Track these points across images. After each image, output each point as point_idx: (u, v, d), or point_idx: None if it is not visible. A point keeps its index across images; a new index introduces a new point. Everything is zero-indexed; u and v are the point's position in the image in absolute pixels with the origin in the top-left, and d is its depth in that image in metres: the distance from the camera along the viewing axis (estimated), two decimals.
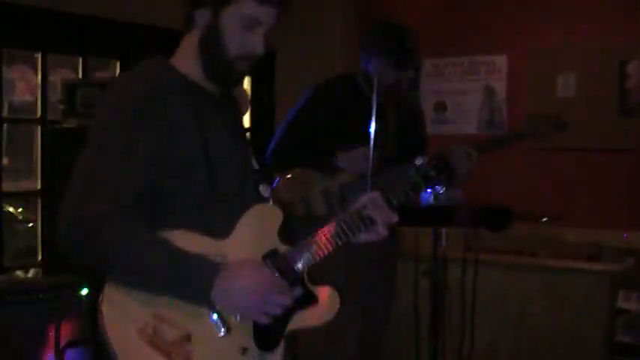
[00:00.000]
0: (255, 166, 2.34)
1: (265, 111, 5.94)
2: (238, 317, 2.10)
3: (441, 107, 6.01)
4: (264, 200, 2.32)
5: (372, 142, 3.54)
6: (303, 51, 5.90)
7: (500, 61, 5.82)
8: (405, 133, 3.93)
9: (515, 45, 5.73)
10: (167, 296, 2.04)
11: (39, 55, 4.83)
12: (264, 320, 2.11)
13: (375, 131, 3.55)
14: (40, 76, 4.83)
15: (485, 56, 5.87)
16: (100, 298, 2.04)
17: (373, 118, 3.53)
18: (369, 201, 2.31)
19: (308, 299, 2.25)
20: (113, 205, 1.97)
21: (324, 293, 2.28)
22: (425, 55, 4.95)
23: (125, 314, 2.04)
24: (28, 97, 5.07)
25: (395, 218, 2.32)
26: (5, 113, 4.83)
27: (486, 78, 5.88)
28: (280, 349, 2.21)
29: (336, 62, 5.76)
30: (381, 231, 2.30)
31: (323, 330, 2.26)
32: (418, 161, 2.37)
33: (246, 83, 5.77)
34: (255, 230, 2.20)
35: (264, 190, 2.33)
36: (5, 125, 4.78)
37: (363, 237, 2.31)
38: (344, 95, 3.89)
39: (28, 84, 5.10)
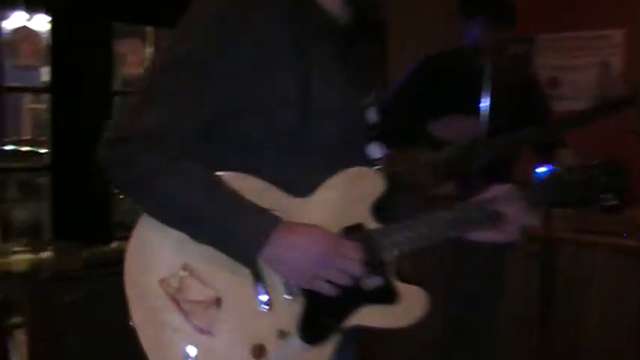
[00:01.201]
0: (372, 122, 1.97)
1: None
2: (288, 289, 1.78)
3: (554, 83, 5.91)
4: (369, 164, 1.93)
5: (482, 112, 3.54)
6: (411, 25, 5.88)
7: (617, 35, 5.67)
8: (518, 104, 3.79)
9: (634, 18, 5.59)
10: (207, 245, 1.74)
11: (149, 29, 5.00)
12: (324, 289, 1.75)
13: (484, 101, 3.54)
14: (150, 50, 4.99)
15: (601, 30, 5.72)
16: (131, 235, 1.77)
17: (484, 87, 3.52)
18: (504, 194, 1.96)
19: (386, 295, 1.87)
20: (168, 128, 1.72)
21: (410, 293, 1.90)
22: (538, 30, 4.87)
23: (151, 258, 1.75)
24: (138, 71, 5.24)
25: (535, 221, 1.96)
26: (117, 87, 4.97)
27: (602, 53, 5.75)
28: (329, 347, 1.81)
29: (440, 37, 5.74)
30: (511, 232, 1.95)
31: None
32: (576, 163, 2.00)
33: None
34: (342, 196, 1.84)
35: (373, 150, 1.96)
36: (116, 98, 4.90)
37: (483, 235, 1.96)
38: (452, 67, 3.89)
39: (138, 57, 5.27)
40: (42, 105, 5.15)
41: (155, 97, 1.74)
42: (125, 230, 2.03)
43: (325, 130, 1.81)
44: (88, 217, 4.80)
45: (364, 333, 1.90)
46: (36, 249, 3.48)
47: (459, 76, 3.80)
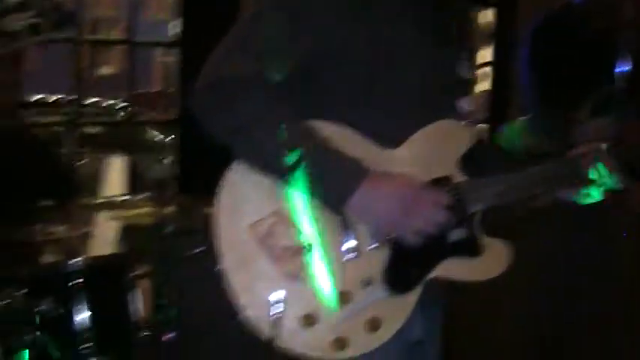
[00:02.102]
0: (466, 75, 2.06)
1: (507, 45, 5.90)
2: (375, 238, 1.89)
3: None
4: (458, 117, 2.02)
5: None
6: None
7: None
8: None
9: None
10: (297, 192, 1.86)
11: None
12: (410, 239, 1.87)
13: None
14: None
15: None
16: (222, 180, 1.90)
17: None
18: (590, 152, 2.02)
19: (469, 248, 1.97)
20: (258, 75, 1.83)
21: (494, 247, 1.99)
22: None
23: (242, 203, 1.88)
24: None
25: (626, 183, 2.00)
26: None
27: None
28: (413, 297, 1.92)
29: None
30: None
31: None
32: None
33: (491, 16, 5.78)
34: (431, 148, 1.95)
35: (464, 104, 2.04)
36: None
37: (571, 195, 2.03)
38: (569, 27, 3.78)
39: None
40: (172, 58, 5.35)
41: (246, 45, 1.87)
42: None
43: (412, 82, 1.92)
44: (214, 172, 5.00)
45: (450, 300, 2.06)
46: (161, 203, 3.68)
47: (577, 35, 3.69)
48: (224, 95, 1.84)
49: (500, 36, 5.77)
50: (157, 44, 5.56)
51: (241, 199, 1.89)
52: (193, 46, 4.98)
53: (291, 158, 1.83)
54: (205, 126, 1.88)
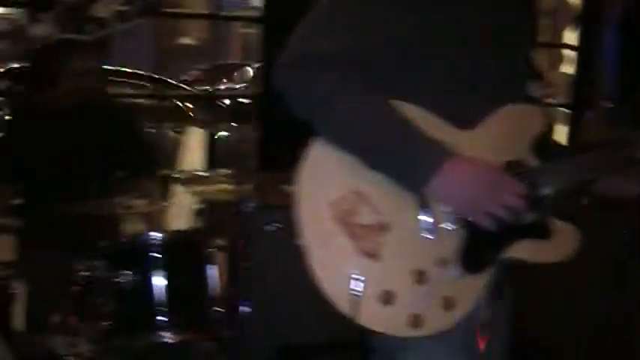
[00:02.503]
0: (532, 64, 2.12)
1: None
2: (452, 219, 1.94)
3: None
4: (530, 101, 2.09)
5: None
6: None
7: None
8: None
9: None
10: (379, 172, 1.91)
11: None
12: (486, 222, 1.93)
13: None
14: None
15: None
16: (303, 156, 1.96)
17: None
18: None
19: (540, 231, 2.03)
20: (342, 52, 1.88)
21: (563, 231, 2.05)
22: None
23: (323, 180, 1.94)
24: None
25: None
26: None
27: None
28: (485, 276, 1.99)
29: None
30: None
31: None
32: None
33: None
34: (504, 131, 2.01)
35: (535, 89, 2.10)
36: None
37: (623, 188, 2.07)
38: None
39: None
40: (252, 30, 5.42)
41: (330, 21, 1.92)
42: None
43: (484, 64, 1.98)
44: (295, 147, 5.04)
45: (519, 283, 2.11)
46: (240, 179, 3.74)
47: None
48: (308, 71, 1.89)
49: (586, 18, 5.68)
50: (241, 18, 5.62)
51: (322, 176, 1.95)
52: (276, 21, 5.02)
53: (373, 136, 1.89)
54: (288, 101, 1.94)
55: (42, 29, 1.42)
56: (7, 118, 4.05)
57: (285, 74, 1.93)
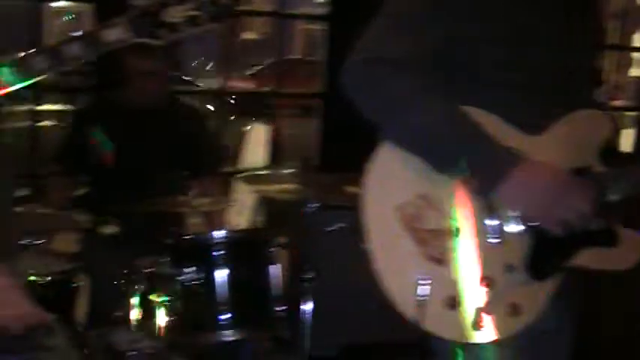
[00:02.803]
0: (600, 65, 2.12)
1: None
2: (521, 224, 1.94)
3: None
4: (597, 106, 2.09)
5: None
6: None
7: None
8: None
9: None
10: (445, 176, 1.92)
11: None
12: (554, 227, 1.91)
13: None
14: None
15: None
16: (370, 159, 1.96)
17: None
18: None
19: (607, 238, 2.02)
20: (413, 54, 1.89)
21: (630, 239, 2.04)
22: None
23: (390, 184, 1.95)
24: None
25: None
26: None
27: None
28: (550, 285, 1.98)
29: None
30: None
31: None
32: None
33: None
34: (573, 137, 2.00)
35: (601, 93, 2.11)
36: None
37: None
38: None
39: None
40: (315, 26, 5.44)
41: (398, 24, 1.93)
42: None
43: (551, 69, 1.97)
44: (356, 149, 5.05)
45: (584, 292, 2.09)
46: (303, 178, 3.75)
47: None
48: (377, 73, 1.90)
49: None
50: (307, 16, 5.65)
51: (389, 179, 1.96)
52: (342, 18, 5.03)
53: (443, 140, 1.90)
54: (356, 103, 1.95)
55: (115, 33, 1.46)
56: (75, 112, 4.12)
57: (353, 76, 1.94)
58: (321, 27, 5.17)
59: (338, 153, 5.13)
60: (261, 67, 18.90)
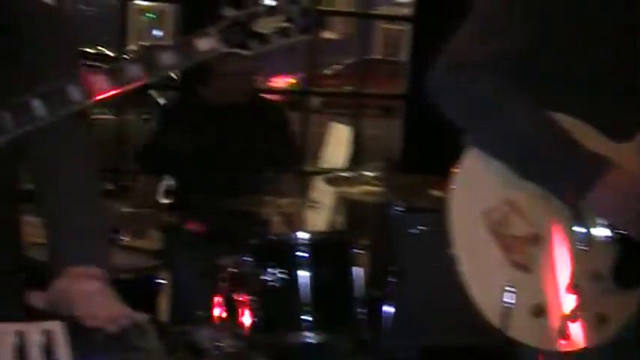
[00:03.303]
0: None
1: None
2: (608, 232, 1.91)
3: None
4: None
5: None
6: None
7: None
8: None
9: None
10: (533, 182, 1.91)
11: None
12: None
13: None
14: None
15: None
16: (456, 164, 1.97)
17: None
18: None
19: None
20: (502, 58, 1.89)
21: None
22: None
23: (476, 190, 1.95)
24: None
25: None
26: None
27: None
28: (636, 294, 1.96)
29: None
30: None
31: None
32: None
33: None
34: None
35: None
36: None
37: None
38: None
39: None
40: (395, 26, 5.47)
41: (486, 28, 1.93)
42: None
43: (630, 74, 1.94)
44: (438, 148, 5.03)
45: None
46: (386, 181, 3.76)
47: None
48: (463, 79, 1.91)
49: None
50: (391, 17, 5.68)
51: (475, 184, 1.96)
52: (425, 20, 5.01)
53: (531, 146, 1.89)
54: (443, 109, 1.96)
55: (208, 43, 1.50)
56: (161, 110, 4.18)
57: (440, 81, 1.94)
58: (401, 27, 5.18)
59: (419, 154, 5.12)
60: (341, 66, 19.01)
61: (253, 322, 3.38)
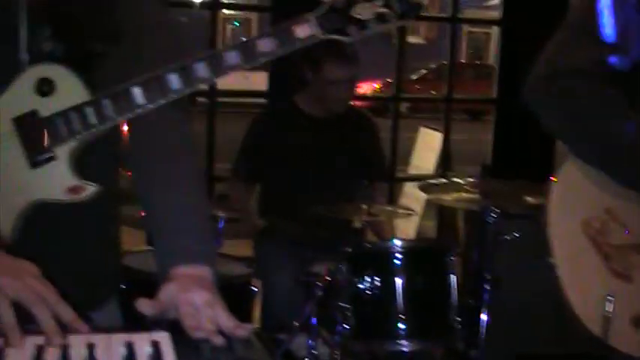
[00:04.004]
0: None
1: None
2: None
3: None
4: None
5: None
6: None
7: None
8: None
9: None
10: (633, 190, 1.90)
11: None
12: None
13: None
14: None
15: None
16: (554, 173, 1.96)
17: None
18: None
19: None
20: (599, 64, 1.87)
21: None
22: None
23: (575, 199, 1.95)
24: None
25: None
26: None
27: None
28: None
29: None
30: None
31: None
32: None
33: None
34: None
35: None
36: None
37: None
38: None
39: None
40: (483, 29, 5.45)
41: (582, 34, 1.90)
42: None
43: None
44: (528, 154, 4.97)
45: None
46: (480, 187, 3.72)
47: None
48: (562, 87, 1.89)
49: None
50: (479, 21, 5.65)
51: (574, 194, 1.95)
52: (513, 24, 4.97)
53: (631, 152, 1.87)
54: (541, 119, 1.95)
55: (306, 30, 1.49)
56: (258, 117, 4.21)
57: (538, 89, 1.94)
58: (487, 30, 5.16)
59: (510, 159, 5.07)
60: (425, 71, 19.00)
61: (348, 330, 3.37)
